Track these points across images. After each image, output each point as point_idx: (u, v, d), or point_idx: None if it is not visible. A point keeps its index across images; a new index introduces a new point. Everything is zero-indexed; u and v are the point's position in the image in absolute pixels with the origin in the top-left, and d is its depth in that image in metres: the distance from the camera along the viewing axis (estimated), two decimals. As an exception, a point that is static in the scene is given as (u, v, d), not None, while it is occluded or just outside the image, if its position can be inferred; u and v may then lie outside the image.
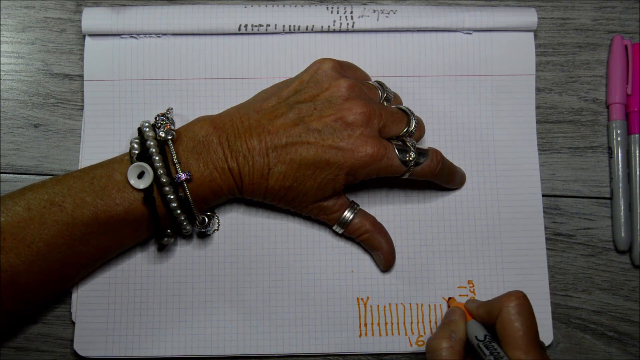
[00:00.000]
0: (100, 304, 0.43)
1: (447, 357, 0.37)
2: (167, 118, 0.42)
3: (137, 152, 0.39)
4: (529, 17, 0.47)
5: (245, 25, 0.46)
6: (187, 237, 0.44)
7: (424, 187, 0.46)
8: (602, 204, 0.47)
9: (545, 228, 0.46)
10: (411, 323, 0.44)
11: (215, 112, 0.43)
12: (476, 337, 0.38)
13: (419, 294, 0.44)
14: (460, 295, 0.44)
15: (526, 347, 0.35)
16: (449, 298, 0.44)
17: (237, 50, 0.47)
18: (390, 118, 0.41)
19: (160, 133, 0.39)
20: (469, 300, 0.41)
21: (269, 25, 0.46)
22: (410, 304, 0.44)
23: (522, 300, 0.37)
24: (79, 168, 0.44)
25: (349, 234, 0.44)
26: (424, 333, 0.44)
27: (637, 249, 0.45)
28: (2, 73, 0.47)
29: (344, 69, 0.43)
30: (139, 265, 0.44)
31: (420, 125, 0.43)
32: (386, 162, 0.40)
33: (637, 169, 0.46)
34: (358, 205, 0.43)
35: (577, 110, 0.48)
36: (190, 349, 0.43)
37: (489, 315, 0.38)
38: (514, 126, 0.47)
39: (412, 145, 0.41)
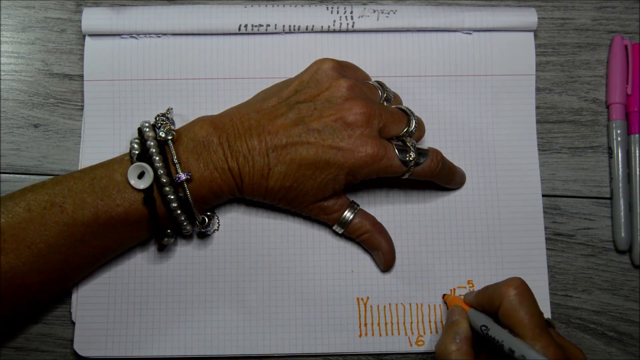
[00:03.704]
0: (100, 304, 0.43)
1: (458, 358, 0.37)
2: (167, 118, 0.42)
3: (137, 152, 0.39)
4: (529, 17, 0.47)
5: (245, 25, 0.46)
6: (187, 237, 0.44)
7: (424, 187, 0.46)
8: (602, 204, 0.47)
9: (545, 228, 0.46)
10: (411, 323, 0.44)
11: (215, 112, 0.43)
12: (481, 326, 0.38)
13: (419, 294, 0.44)
14: (459, 295, 0.44)
15: (533, 333, 0.36)
16: (444, 295, 0.44)
17: (237, 50, 0.47)
18: (390, 118, 0.41)
19: (161, 133, 0.39)
20: (467, 294, 0.42)
21: (269, 25, 0.46)
22: (410, 304, 0.44)
23: (521, 288, 0.37)
24: (79, 168, 0.44)
25: (349, 234, 0.44)
26: (424, 333, 0.44)
27: (637, 249, 0.45)
28: (2, 73, 0.47)
29: (344, 69, 0.43)
30: (139, 265, 0.44)
31: (420, 125, 0.43)
32: (386, 162, 0.40)
33: (637, 169, 0.46)
34: (358, 205, 0.43)
35: (577, 110, 0.48)
36: (190, 349, 0.43)
37: (490, 305, 0.38)
38: (514, 126, 0.47)
39: (412, 145, 0.41)
